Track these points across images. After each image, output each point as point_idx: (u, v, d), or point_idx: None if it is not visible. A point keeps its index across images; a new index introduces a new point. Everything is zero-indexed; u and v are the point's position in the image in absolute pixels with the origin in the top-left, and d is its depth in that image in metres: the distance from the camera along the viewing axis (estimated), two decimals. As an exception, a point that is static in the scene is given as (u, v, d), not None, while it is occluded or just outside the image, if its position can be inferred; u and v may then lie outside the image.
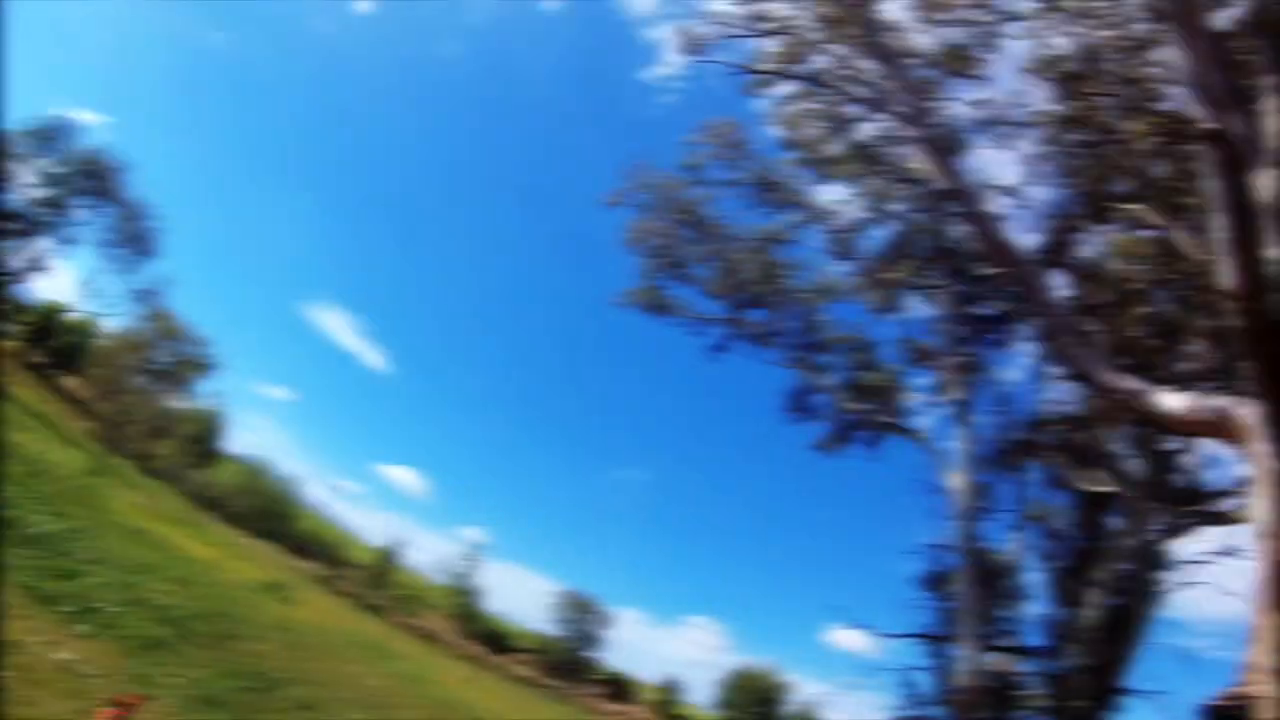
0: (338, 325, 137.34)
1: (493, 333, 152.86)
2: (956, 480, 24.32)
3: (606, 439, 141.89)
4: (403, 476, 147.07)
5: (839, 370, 28.39)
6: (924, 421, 27.18)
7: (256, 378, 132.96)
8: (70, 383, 64.92)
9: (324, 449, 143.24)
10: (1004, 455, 27.28)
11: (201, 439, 64.36)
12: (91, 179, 43.04)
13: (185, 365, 61.83)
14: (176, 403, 64.10)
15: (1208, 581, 23.90)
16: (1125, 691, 23.60)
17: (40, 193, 42.29)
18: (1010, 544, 27.09)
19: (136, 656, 6.92)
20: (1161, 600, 24.56)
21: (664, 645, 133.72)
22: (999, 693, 25.43)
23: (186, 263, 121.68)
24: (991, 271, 21.59)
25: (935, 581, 27.98)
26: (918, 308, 28.70)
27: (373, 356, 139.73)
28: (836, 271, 28.38)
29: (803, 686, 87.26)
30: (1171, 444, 23.27)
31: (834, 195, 24.21)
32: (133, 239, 45.33)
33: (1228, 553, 22.55)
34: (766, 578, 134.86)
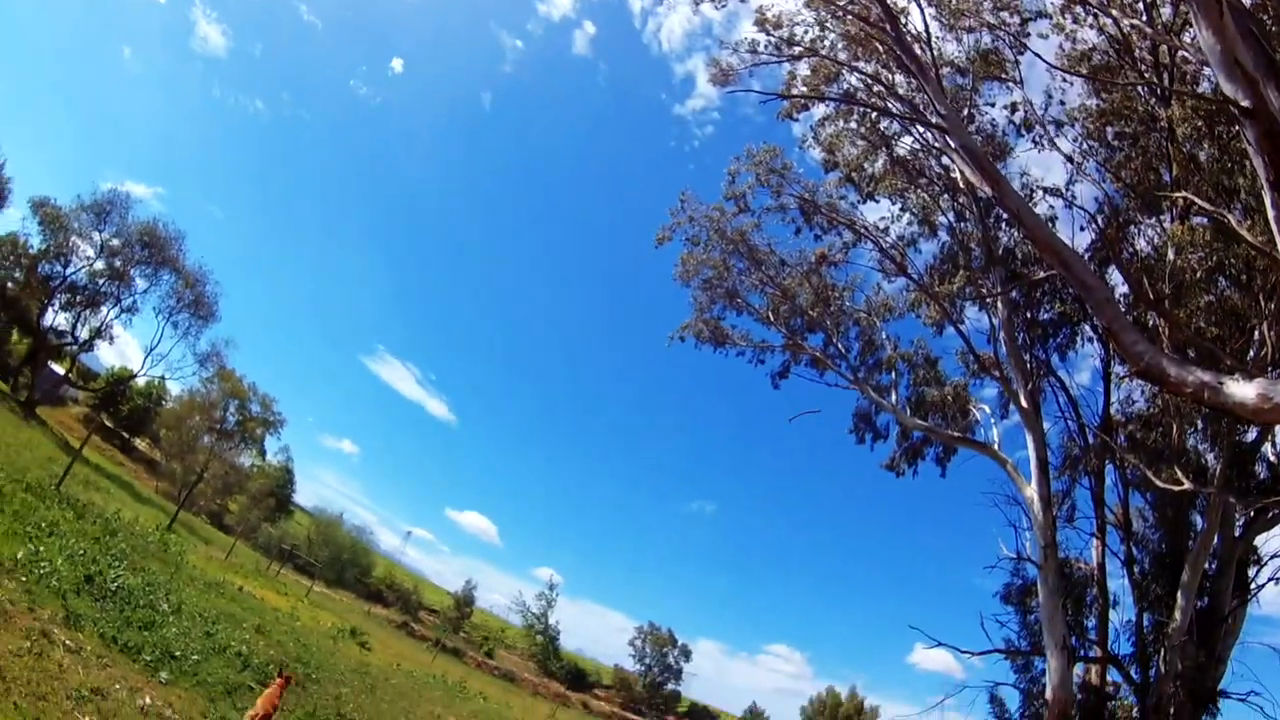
0: (399, 377, 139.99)
1: (553, 376, 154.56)
2: (1031, 490, 23.74)
3: (676, 473, 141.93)
4: (474, 521, 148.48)
5: (902, 388, 28.01)
6: (993, 433, 26.64)
7: (325, 432, 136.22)
8: (141, 444, 67.00)
9: (394, 498, 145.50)
10: (1078, 460, 26.60)
11: (273, 493, 65.86)
12: (149, 249, 44.73)
13: (253, 423, 63.58)
14: (246, 460, 65.85)
15: None
16: (1219, 695, 22.67)
17: (100, 264, 44.03)
18: (1092, 551, 26.34)
19: (218, 701, 7.01)
20: (1251, 598, 23.58)
21: (744, 674, 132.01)
22: (1089, 705, 24.61)
23: (251, 324, 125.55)
24: (1046, 274, 21.19)
25: (1017, 595, 27.31)
26: (976, 319, 28.18)
27: (436, 405, 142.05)
28: (891, 289, 28.05)
29: (887, 708, 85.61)
30: (1250, 435, 22.49)
31: (881, 212, 24.04)
32: (193, 304, 46.97)
33: None
34: (846, 602, 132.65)
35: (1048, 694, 22.77)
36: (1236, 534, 24.07)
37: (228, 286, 65.27)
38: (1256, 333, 19.06)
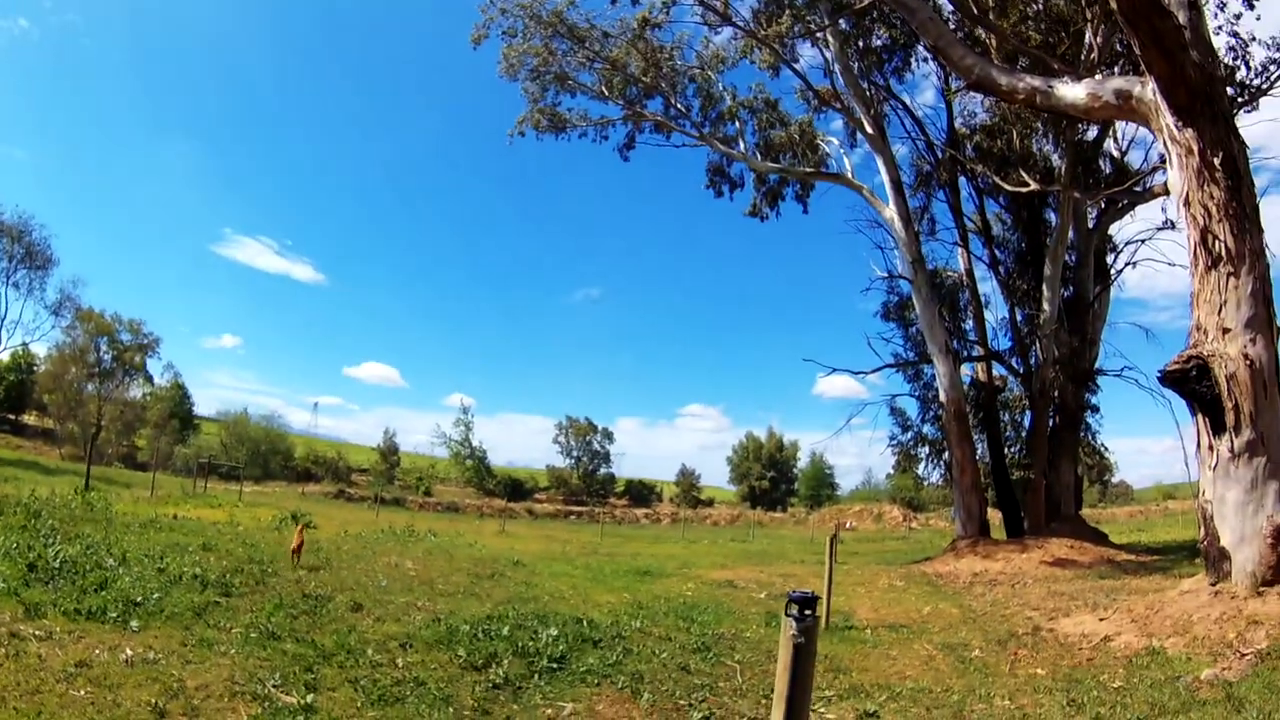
0: (256, 253, 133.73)
1: (410, 207, 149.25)
2: (890, 211, 25.21)
3: (554, 267, 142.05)
4: (374, 371, 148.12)
5: (749, 135, 28.63)
6: (845, 163, 27.75)
7: (202, 335, 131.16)
8: (30, 419, 64.23)
9: (291, 376, 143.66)
10: (930, 176, 28.08)
11: (174, 414, 64.64)
12: None
13: (128, 352, 61.32)
14: (136, 391, 63.99)
15: (1152, 259, 25.23)
16: (1096, 373, 25.41)
17: None
18: (959, 260, 28.33)
19: (193, 626, 7.81)
20: (1113, 283, 25.99)
21: (668, 441, 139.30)
22: (981, 399, 27.38)
23: (94, 254, 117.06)
24: (871, 0, 21.47)
25: (896, 310, 29.48)
26: (810, 55, 28.47)
27: (302, 270, 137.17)
28: (720, 40, 28.08)
29: (804, 439, 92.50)
30: (1090, 134, 23.95)
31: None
32: (25, 258, 44.12)
33: (1165, 226, 23.78)
34: (745, 351, 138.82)
35: (941, 396, 25.28)
36: (1091, 226, 26.21)
37: (56, 226, 61.08)
38: (1085, 37, 19.94)
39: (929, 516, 66.62)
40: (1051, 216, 26.61)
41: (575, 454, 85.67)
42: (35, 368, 63.29)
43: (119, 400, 60.72)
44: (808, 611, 3.07)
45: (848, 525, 39.46)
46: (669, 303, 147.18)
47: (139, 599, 8.30)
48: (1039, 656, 9.44)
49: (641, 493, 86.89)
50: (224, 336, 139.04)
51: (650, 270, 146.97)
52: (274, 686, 6.33)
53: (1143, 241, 25.66)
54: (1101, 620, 10.79)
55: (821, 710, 7.28)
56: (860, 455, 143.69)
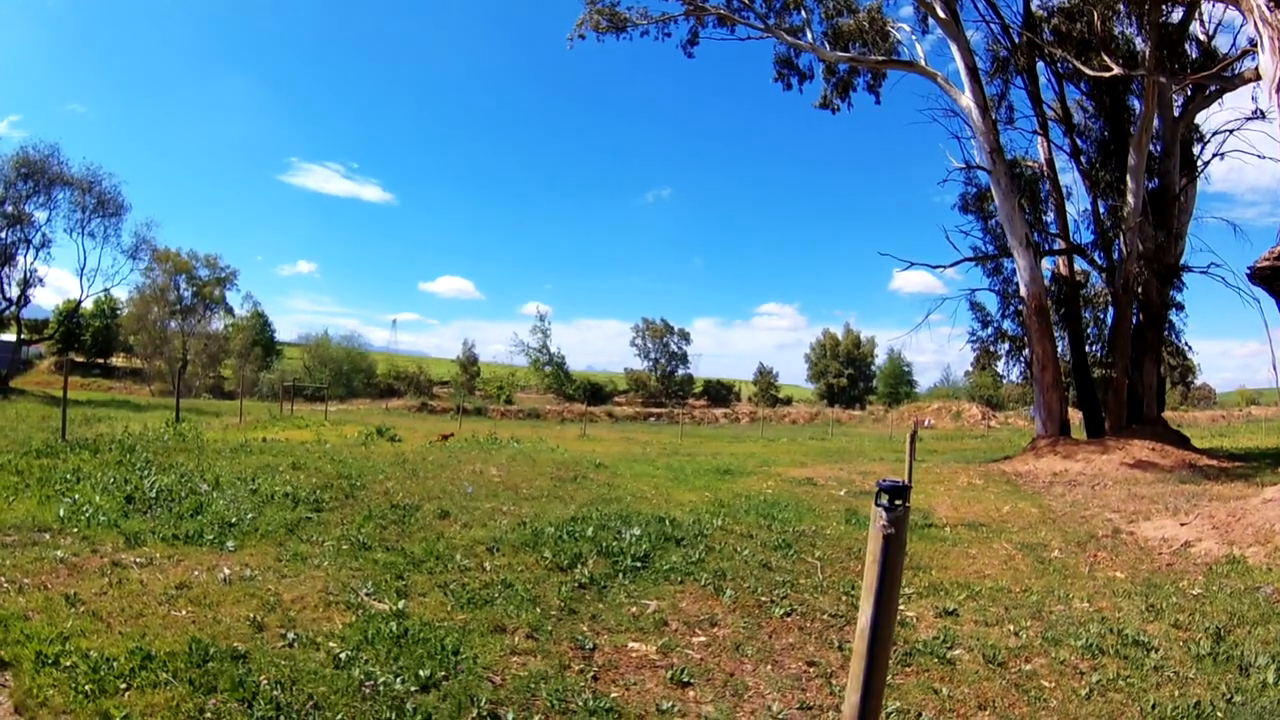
0: (323, 179, 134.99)
1: (473, 119, 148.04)
2: (966, 99, 23.95)
3: (622, 171, 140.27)
4: (449, 285, 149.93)
5: (816, 24, 27.31)
6: (917, 50, 26.37)
7: (278, 263, 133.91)
8: (118, 361, 66.92)
9: (368, 296, 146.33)
10: (1007, 62, 26.51)
11: (256, 342, 66.60)
12: (30, 178, 42.30)
13: (207, 287, 63.10)
14: (218, 324, 66.05)
15: (1240, 150, 23.48)
16: (1181, 269, 24.15)
17: None
18: (1038, 149, 26.92)
19: (286, 542, 8.04)
20: (1199, 175, 24.44)
21: (744, 340, 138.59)
22: (1063, 294, 26.30)
23: (164, 196, 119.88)
24: None
25: (974, 202, 28.32)
26: None
27: (371, 191, 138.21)
28: None
29: (881, 336, 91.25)
30: (1175, 15, 22.12)
31: None
32: (98, 207, 45.18)
33: (1254, 116, 22.14)
34: (821, 247, 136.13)
35: (1022, 290, 24.36)
36: (1176, 115, 24.55)
37: (124, 173, 62.31)
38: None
39: (1008, 415, 65.59)
40: (1135, 104, 25.14)
41: (653, 356, 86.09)
42: (119, 312, 65.37)
43: (202, 334, 62.72)
44: (898, 501, 2.88)
45: (926, 423, 38.77)
46: (740, 201, 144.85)
47: (233, 520, 8.56)
48: (1118, 560, 9.42)
49: (719, 393, 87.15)
50: (299, 263, 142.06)
51: (720, 169, 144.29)
52: (367, 595, 6.49)
53: (1230, 132, 24.42)
54: (1182, 525, 10.70)
55: (901, 608, 7.17)
56: (938, 352, 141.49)
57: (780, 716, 4.89)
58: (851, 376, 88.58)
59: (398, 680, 4.75)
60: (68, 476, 10.41)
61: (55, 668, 4.53)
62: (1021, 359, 28.84)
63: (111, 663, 4.58)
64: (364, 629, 5.61)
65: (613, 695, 4.97)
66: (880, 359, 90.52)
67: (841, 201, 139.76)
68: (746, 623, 6.64)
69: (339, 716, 4.27)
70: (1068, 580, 8.36)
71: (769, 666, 5.70)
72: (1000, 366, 30.27)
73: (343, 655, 5.08)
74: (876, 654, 3.01)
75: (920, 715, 4.92)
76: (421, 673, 4.84)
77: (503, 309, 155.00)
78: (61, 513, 8.27)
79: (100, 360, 68.49)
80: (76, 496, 9.13)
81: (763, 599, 7.28)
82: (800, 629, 6.61)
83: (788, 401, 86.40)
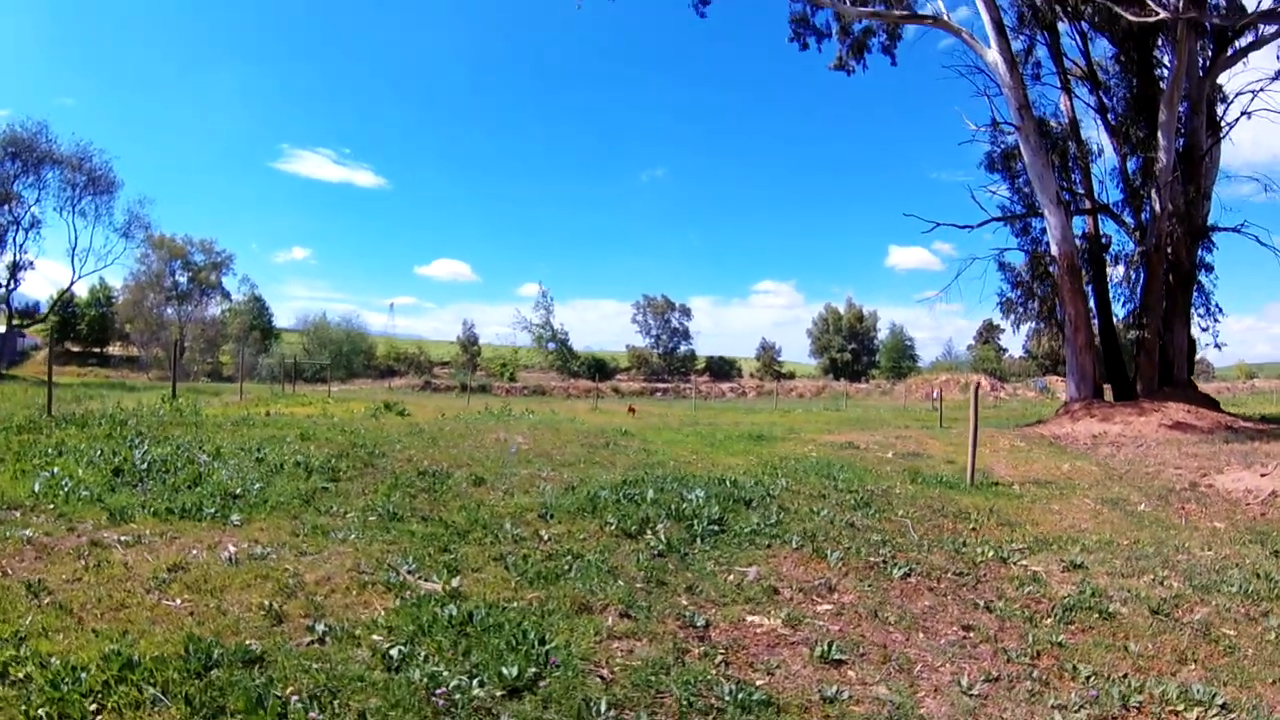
0: (315, 165, 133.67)
1: (460, 101, 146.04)
2: (992, 53, 22.55)
3: (616, 148, 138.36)
4: (446, 268, 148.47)
5: None
6: (939, 3, 24.91)
7: (273, 250, 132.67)
8: (115, 349, 65.69)
9: (364, 281, 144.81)
10: (1035, 14, 25.06)
11: (254, 326, 65.35)
12: (18, 157, 40.84)
13: (203, 272, 61.73)
14: (214, 309, 64.80)
15: (1268, 109, 22.44)
16: (1211, 229, 23.02)
17: None
18: (1061, 109, 25.63)
19: (301, 515, 6.84)
20: (1224, 135, 23.19)
21: (742, 319, 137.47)
22: (1092, 254, 25.05)
23: (157, 177, 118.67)
24: None
25: (1001, 160, 27.06)
26: None
27: (363, 176, 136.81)
28: None
29: (882, 313, 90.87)
30: None
31: None
32: (89, 184, 43.69)
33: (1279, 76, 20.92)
34: (817, 223, 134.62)
35: (1052, 250, 23.11)
36: (1201, 74, 23.30)
37: (116, 148, 59.74)
38: None
39: (1015, 386, 65.44)
40: (1165, 58, 23.91)
41: (654, 332, 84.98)
42: (114, 299, 64.06)
43: (199, 320, 61.39)
44: None
45: (934, 395, 38.12)
46: (735, 179, 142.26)
47: (238, 491, 7.31)
48: (1209, 511, 9.12)
49: (722, 368, 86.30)
50: (294, 249, 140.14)
51: (714, 149, 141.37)
52: (409, 572, 5.23)
53: (1254, 94, 23.36)
54: (1263, 476, 10.42)
55: (1024, 561, 6.60)
56: (936, 329, 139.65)
57: (973, 692, 3.94)
58: (855, 351, 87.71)
59: (474, 683, 3.49)
60: (49, 451, 9.10)
61: (2, 682, 3.27)
62: (1039, 320, 27.89)
63: (80, 673, 3.30)
64: (414, 615, 4.36)
65: (758, 683, 3.85)
66: (882, 334, 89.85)
67: (839, 179, 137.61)
68: (867, 587, 5.65)
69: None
70: (1169, 531, 7.93)
71: (921, 634, 4.80)
72: (1027, 329, 29.25)
73: (393, 652, 3.81)
74: None
75: (1123, 675, 4.30)
76: (506, 671, 3.58)
77: (500, 291, 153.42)
78: (36, 488, 7.00)
79: (97, 349, 67.21)
80: (56, 470, 7.84)
81: (872, 560, 6.27)
82: (930, 590, 5.72)
83: (791, 376, 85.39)
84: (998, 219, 26.39)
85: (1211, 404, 21.65)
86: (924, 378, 71.18)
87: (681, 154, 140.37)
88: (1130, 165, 25.44)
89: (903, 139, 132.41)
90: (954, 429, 20.13)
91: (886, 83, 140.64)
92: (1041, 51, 26.59)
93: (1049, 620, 5.18)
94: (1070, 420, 20.30)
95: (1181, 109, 23.27)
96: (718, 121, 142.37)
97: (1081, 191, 26.01)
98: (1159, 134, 22.28)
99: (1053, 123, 26.56)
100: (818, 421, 25.00)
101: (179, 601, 4.42)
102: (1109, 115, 25.92)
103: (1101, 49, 26.20)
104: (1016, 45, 25.04)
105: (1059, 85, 25.84)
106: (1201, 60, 23.61)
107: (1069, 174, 26.56)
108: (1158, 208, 22.60)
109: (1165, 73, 23.37)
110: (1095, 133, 26.30)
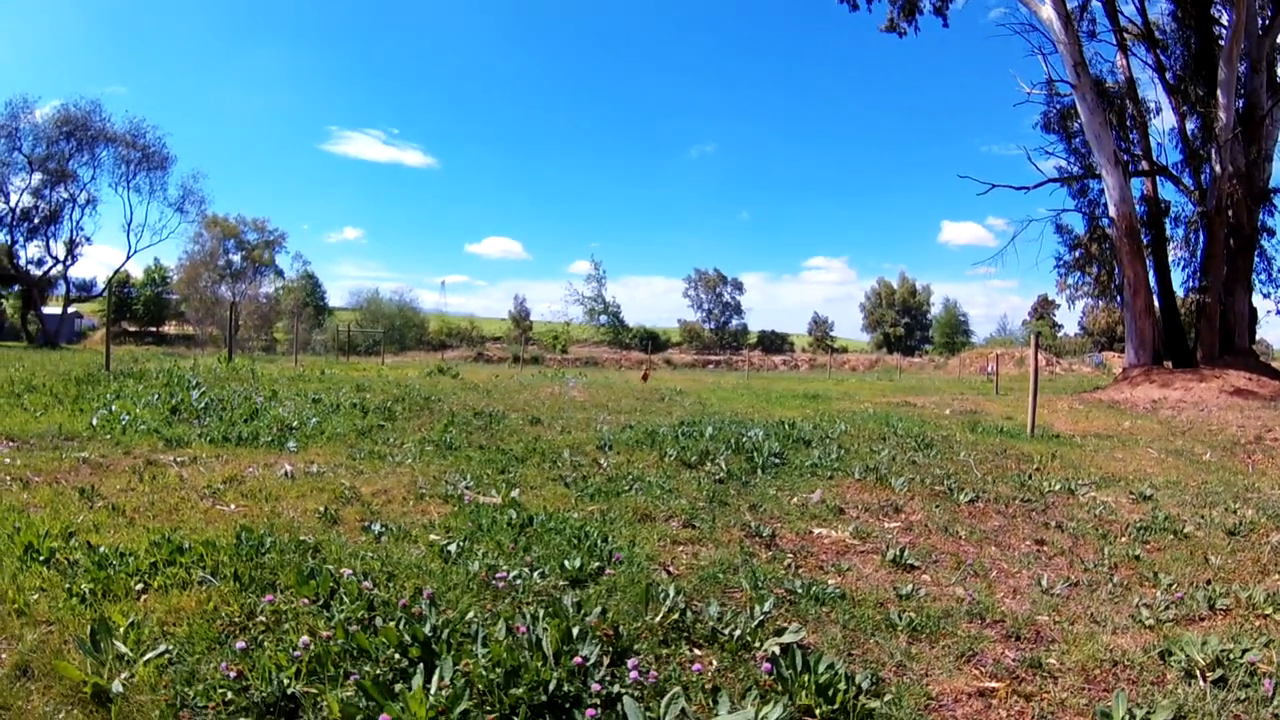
0: (365, 146, 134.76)
1: (511, 78, 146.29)
2: (1047, 10, 21.69)
3: (665, 125, 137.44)
4: (497, 245, 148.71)
5: None
6: None
7: (325, 231, 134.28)
8: (171, 329, 66.92)
9: (416, 260, 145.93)
10: None
11: (307, 303, 66.11)
12: (72, 136, 41.37)
13: (256, 250, 62.51)
14: (269, 287, 65.57)
15: None
16: (1273, 192, 21.89)
17: (36, 178, 41.55)
18: (1118, 69, 24.59)
19: (356, 444, 6.72)
20: None
21: (794, 295, 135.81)
22: (1150, 216, 24.00)
23: (210, 154, 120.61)
24: None
25: (1057, 120, 26.08)
26: None
27: (413, 156, 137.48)
28: None
29: (935, 288, 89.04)
30: None
31: None
32: (143, 160, 44.20)
33: None
34: (866, 198, 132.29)
35: (1110, 211, 22.23)
36: (1260, 33, 22.19)
37: (168, 124, 60.80)
38: None
39: (1070, 362, 63.90)
40: (1224, 16, 22.75)
41: (706, 307, 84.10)
42: (169, 279, 65.17)
43: (253, 298, 62.28)
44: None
45: (989, 368, 37.35)
46: (785, 154, 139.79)
47: (294, 424, 7.25)
48: (1276, 461, 8.77)
49: (774, 342, 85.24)
50: (345, 230, 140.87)
51: (764, 122, 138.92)
52: (466, 488, 5.08)
53: None
54: None
55: (1093, 493, 6.34)
56: (989, 305, 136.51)
57: (1054, 592, 3.84)
58: (908, 325, 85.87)
59: (535, 575, 3.33)
60: (107, 396, 9.13)
61: (48, 566, 3.18)
62: (1096, 284, 26.91)
63: (127, 558, 3.21)
64: (474, 519, 4.23)
65: (830, 582, 3.69)
66: (935, 309, 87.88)
67: (890, 153, 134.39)
68: (935, 508, 5.47)
69: (469, 614, 2.83)
70: (1237, 476, 7.58)
71: (993, 548, 4.66)
72: (1079, 308, 28.21)
73: (451, 548, 3.69)
74: None
75: (1206, 581, 4.13)
76: (568, 564, 3.44)
77: (551, 268, 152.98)
78: (94, 421, 7.00)
79: (153, 329, 68.45)
80: (114, 408, 7.84)
81: (936, 489, 6.04)
82: (999, 514, 5.52)
83: (844, 350, 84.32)
84: (1054, 180, 25.49)
85: (1274, 373, 20.74)
86: (978, 351, 69.69)
87: (731, 129, 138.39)
88: (1189, 126, 24.37)
89: (953, 110, 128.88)
90: (1010, 395, 19.64)
91: (936, 49, 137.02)
92: (1097, 7, 25.53)
93: (1123, 539, 5.00)
94: (1129, 386, 19.62)
95: (1241, 68, 22.22)
96: (766, 93, 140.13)
97: (1139, 152, 24.98)
98: (1218, 92, 21.30)
99: (1109, 82, 25.53)
100: (872, 388, 24.58)
101: (233, 507, 4.34)
102: (1166, 74, 24.86)
103: (1159, 8, 25.10)
104: (1071, 2, 24.12)
105: (1115, 43, 24.80)
106: (1261, 20, 22.53)
107: (1126, 134, 25.54)
108: (1218, 168, 21.64)
109: (1223, 31, 22.26)
110: (1152, 92, 25.18)
